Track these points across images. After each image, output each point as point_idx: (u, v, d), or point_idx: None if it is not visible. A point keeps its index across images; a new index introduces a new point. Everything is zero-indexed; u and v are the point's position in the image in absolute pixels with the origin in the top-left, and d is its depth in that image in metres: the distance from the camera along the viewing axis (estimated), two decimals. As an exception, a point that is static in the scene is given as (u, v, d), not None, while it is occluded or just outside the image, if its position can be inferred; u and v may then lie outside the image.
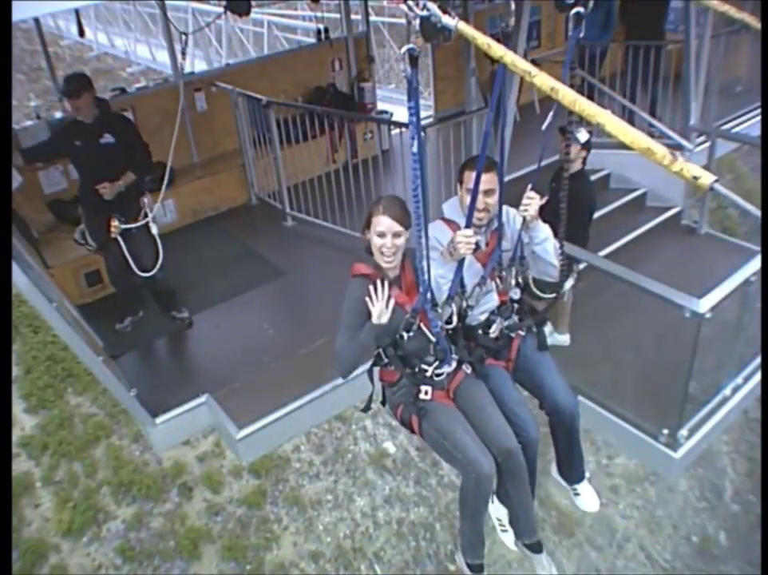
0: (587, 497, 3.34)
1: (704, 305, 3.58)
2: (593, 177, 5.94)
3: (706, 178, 1.77)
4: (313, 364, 4.32)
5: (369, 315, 2.61)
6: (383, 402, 2.98)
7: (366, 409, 2.98)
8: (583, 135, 4.24)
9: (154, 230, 4.57)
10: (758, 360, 4.38)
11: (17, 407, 6.33)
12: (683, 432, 3.98)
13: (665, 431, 3.99)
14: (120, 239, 4.46)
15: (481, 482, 2.65)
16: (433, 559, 7.37)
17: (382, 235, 2.58)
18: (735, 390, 4.33)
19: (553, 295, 3.26)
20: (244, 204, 6.59)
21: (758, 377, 4.39)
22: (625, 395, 4.29)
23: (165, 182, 4.76)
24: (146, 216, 4.54)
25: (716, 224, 8.24)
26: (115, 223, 4.42)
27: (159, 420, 3.95)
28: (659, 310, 3.88)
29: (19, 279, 2.91)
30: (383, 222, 2.56)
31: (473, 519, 2.87)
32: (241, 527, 6.63)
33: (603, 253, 5.11)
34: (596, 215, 5.04)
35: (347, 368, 2.70)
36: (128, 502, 6.32)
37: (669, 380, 4.03)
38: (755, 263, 3.84)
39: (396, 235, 2.57)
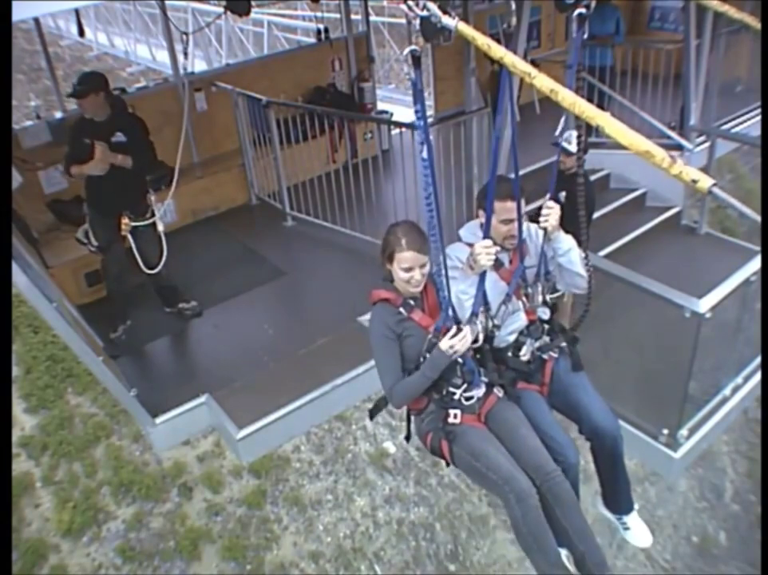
0: (638, 532, 3.09)
1: (704, 305, 3.58)
2: (593, 177, 5.94)
3: (705, 182, 1.76)
4: (313, 364, 4.32)
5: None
6: (407, 437, 2.91)
7: (407, 438, 2.94)
8: (573, 145, 4.14)
9: (160, 227, 4.67)
10: (758, 360, 4.39)
11: (17, 407, 6.33)
12: (683, 432, 3.98)
13: (665, 431, 3.99)
14: (130, 236, 4.54)
15: (523, 499, 2.45)
16: (433, 559, 7.37)
17: (409, 269, 2.53)
18: (735, 390, 4.34)
19: (555, 294, 3.23)
20: (244, 204, 6.58)
21: (757, 377, 4.39)
22: (625, 395, 4.28)
23: (174, 182, 4.86)
24: (153, 213, 4.64)
25: (716, 223, 8.26)
26: (125, 220, 4.49)
27: (159, 420, 3.95)
28: (659, 310, 3.88)
29: (19, 279, 2.90)
30: (409, 258, 2.51)
31: (540, 549, 2.53)
32: (241, 527, 6.64)
33: (603, 253, 5.11)
34: (596, 215, 5.05)
35: (406, 402, 2.67)
36: (128, 502, 6.32)
37: (669, 380, 4.03)
38: (755, 263, 3.85)
39: (422, 266, 2.53)
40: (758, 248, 4.64)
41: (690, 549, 8.79)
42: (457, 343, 2.43)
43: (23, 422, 6.33)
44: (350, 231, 5.47)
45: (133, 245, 4.57)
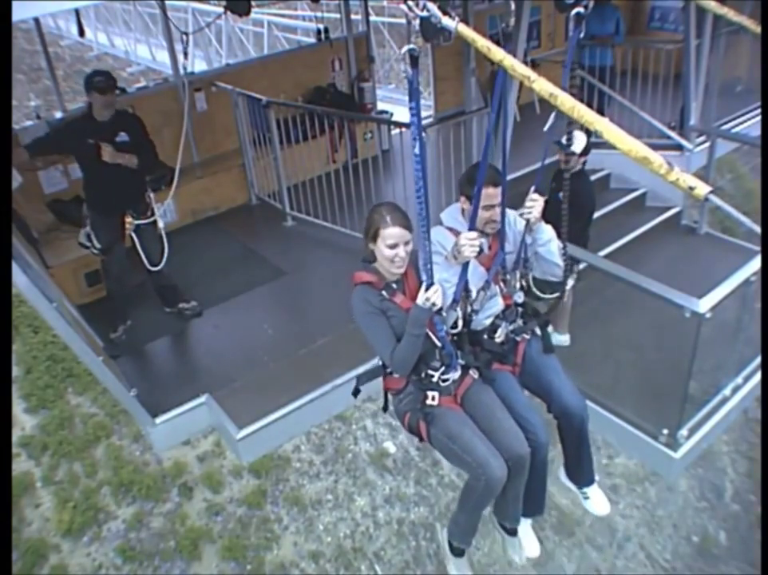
0: (597, 501, 3.32)
1: (704, 305, 3.58)
2: (593, 177, 5.94)
3: (702, 189, 1.77)
4: (313, 364, 4.33)
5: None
6: (384, 408, 2.97)
7: (385, 409, 2.98)
8: (579, 144, 4.13)
9: (161, 224, 4.72)
10: (758, 360, 4.38)
11: (17, 407, 6.33)
12: (683, 432, 3.98)
13: (665, 431, 3.98)
14: (133, 235, 4.60)
15: (491, 486, 2.65)
16: (433, 559, 7.37)
17: (394, 246, 2.56)
18: (735, 390, 4.33)
19: (554, 295, 3.25)
20: (244, 204, 6.58)
21: (757, 377, 4.39)
22: (625, 395, 4.29)
23: (175, 182, 4.93)
24: (153, 212, 4.68)
25: (716, 223, 8.24)
26: (129, 219, 4.54)
27: (159, 420, 3.95)
28: (659, 310, 3.88)
29: (19, 279, 2.90)
30: (394, 234, 2.55)
31: (472, 512, 2.89)
32: (241, 527, 6.63)
33: (603, 253, 5.11)
34: (596, 215, 5.04)
35: (408, 368, 2.71)
36: (128, 502, 6.32)
37: (669, 380, 4.03)
38: (755, 263, 3.84)
39: (406, 243, 2.58)
40: (758, 248, 4.64)
41: (690, 549, 8.78)
42: (432, 295, 2.48)
43: (23, 422, 6.33)
44: (350, 231, 5.47)
45: (137, 243, 4.62)
